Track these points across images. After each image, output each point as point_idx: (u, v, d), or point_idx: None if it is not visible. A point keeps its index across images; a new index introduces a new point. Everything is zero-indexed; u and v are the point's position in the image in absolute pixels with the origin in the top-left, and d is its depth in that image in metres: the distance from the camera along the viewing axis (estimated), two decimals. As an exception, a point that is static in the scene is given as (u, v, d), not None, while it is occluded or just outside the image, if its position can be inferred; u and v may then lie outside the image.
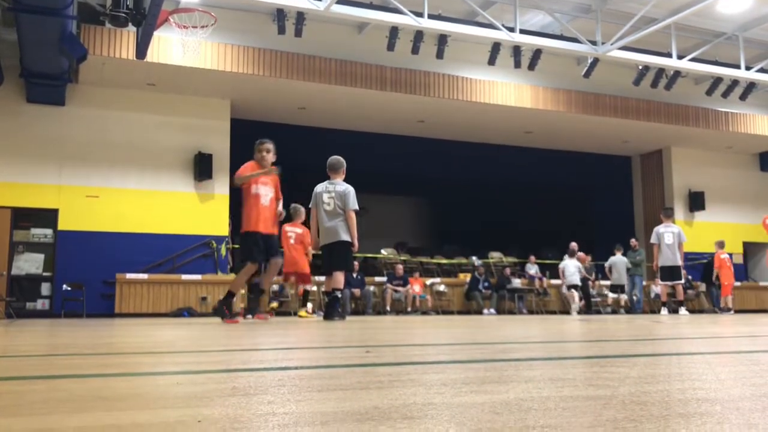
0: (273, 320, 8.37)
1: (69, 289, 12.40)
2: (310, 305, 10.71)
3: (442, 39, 12.92)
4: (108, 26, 11.31)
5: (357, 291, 14.19)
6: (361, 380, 1.53)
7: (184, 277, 13.03)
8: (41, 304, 12.80)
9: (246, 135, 14.70)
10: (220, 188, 14.02)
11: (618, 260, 15.75)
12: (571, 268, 14.44)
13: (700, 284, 17.42)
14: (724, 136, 17.42)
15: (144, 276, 12.76)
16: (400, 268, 15.13)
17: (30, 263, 12.93)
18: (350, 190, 7.59)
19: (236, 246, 12.73)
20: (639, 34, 12.89)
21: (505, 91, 14.73)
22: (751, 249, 18.76)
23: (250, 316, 9.20)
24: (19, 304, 12.23)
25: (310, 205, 7.90)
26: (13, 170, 12.75)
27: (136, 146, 13.52)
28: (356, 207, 7.58)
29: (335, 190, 7.59)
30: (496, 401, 1.19)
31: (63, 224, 12.94)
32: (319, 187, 7.76)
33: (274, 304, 11.59)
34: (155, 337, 4.13)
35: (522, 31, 12.92)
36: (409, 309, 14.61)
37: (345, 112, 15.07)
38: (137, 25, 9.61)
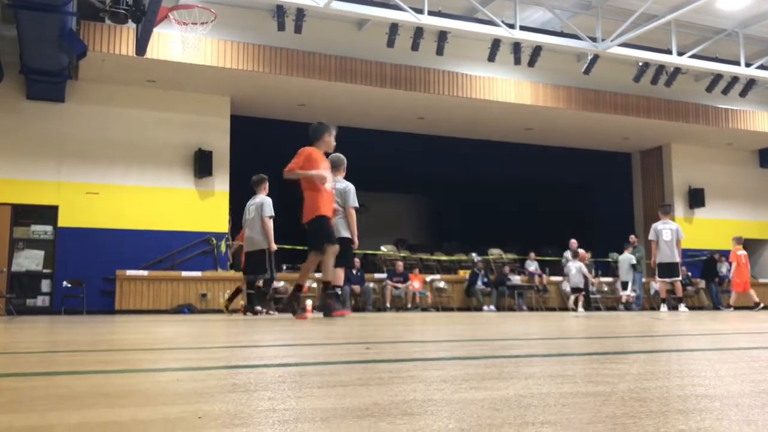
0: (272, 317, 8.37)
1: (69, 285, 12.40)
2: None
3: (442, 35, 12.91)
4: (108, 23, 11.30)
5: (357, 288, 14.19)
6: (361, 377, 1.54)
7: (184, 273, 13.04)
8: (41, 301, 12.81)
9: (246, 132, 14.75)
10: (220, 185, 14.02)
11: (622, 258, 15.75)
12: (573, 270, 14.34)
13: (699, 281, 17.42)
14: (724, 133, 17.42)
15: (144, 273, 12.77)
16: (400, 264, 15.13)
17: (30, 260, 12.93)
18: (350, 187, 7.65)
19: (232, 242, 12.72)
20: (639, 31, 12.88)
21: (505, 87, 14.73)
22: (750, 246, 18.72)
23: (249, 314, 9.22)
24: (19, 301, 12.23)
25: None
26: (13, 167, 12.74)
27: (136, 143, 13.52)
28: (356, 204, 7.66)
29: (336, 188, 7.63)
30: (495, 397, 1.19)
31: (63, 221, 12.94)
32: None
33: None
34: (155, 333, 4.13)
35: (522, 28, 12.91)
36: (408, 306, 14.62)
37: (345, 109, 15.06)
38: (137, 22, 9.61)
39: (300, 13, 11.93)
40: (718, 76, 15.06)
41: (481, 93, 14.53)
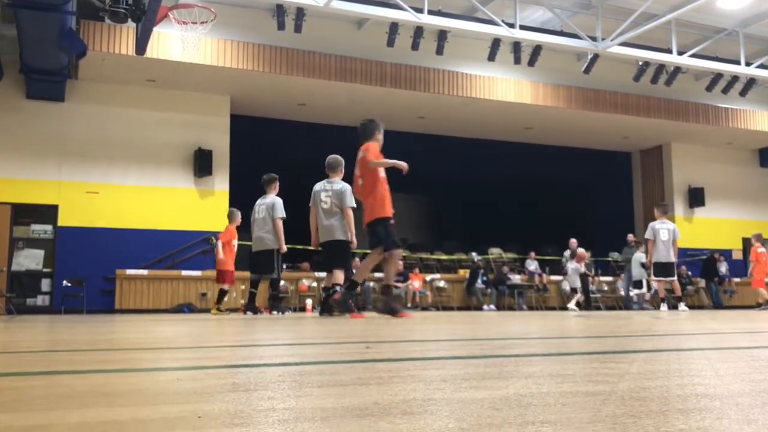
0: (271, 317, 8.37)
1: (69, 285, 12.40)
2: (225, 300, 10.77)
3: (442, 35, 12.91)
4: (107, 22, 11.29)
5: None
6: (361, 376, 1.54)
7: (184, 273, 13.04)
8: (41, 300, 12.81)
9: (246, 131, 14.75)
10: (220, 184, 14.02)
11: (635, 257, 15.65)
12: (570, 271, 14.32)
13: (699, 280, 17.41)
14: (724, 132, 17.42)
15: (144, 272, 12.77)
16: (399, 264, 15.12)
17: (30, 259, 12.94)
18: (347, 188, 7.68)
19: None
20: (639, 30, 12.88)
21: (505, 87, 14.72)
22: (750, 245, 18.74)
23: (249, 313, 9.22)
24: (19, 300, 12.24)
25: (310, 204, 7.98)
26: (12, 166, 12.75)
27: (136, 142, 13.52)
28: (353, 205, 7.69)
29: (332, 189, 7.70)
30: (495, 397, 1.19)
31: (63, 220, 12.94)
32: (318, 186, 7.89)
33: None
34: (155, 333, 4.13)
35: (522, 27, 12.91)
36: (409, 305, 14.63)
37: (345, 108, 15.05)
38: (137, 21, 9.60)
39: (300, 12, 11.94)
40: (718, 76, 15.06)
41: (481, 92, 14.53)
